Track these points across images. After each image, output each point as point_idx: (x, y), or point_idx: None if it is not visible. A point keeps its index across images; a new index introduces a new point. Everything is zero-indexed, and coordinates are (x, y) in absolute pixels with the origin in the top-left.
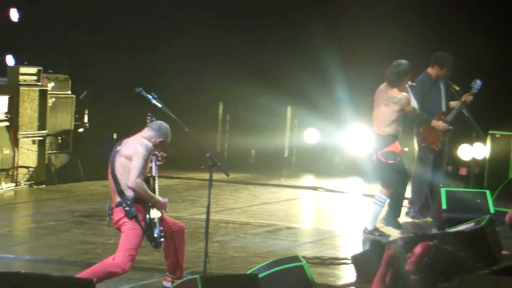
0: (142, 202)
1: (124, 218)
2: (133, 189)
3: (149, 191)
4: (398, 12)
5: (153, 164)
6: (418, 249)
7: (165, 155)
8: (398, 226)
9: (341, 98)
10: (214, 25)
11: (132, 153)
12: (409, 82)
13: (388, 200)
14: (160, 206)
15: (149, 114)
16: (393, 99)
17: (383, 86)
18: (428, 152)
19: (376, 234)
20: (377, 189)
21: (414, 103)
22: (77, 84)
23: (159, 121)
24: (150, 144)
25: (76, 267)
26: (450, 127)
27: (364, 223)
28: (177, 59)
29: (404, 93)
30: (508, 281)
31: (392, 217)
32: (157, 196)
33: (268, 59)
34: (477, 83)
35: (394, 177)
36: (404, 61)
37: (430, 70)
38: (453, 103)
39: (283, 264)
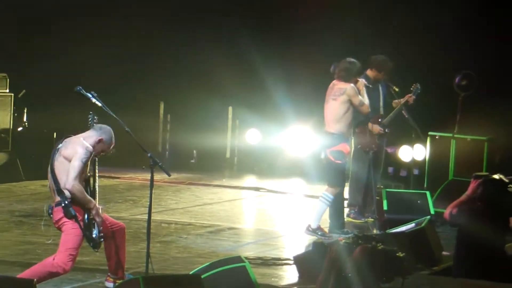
0: (77, 203)
1: (63, 217)
2: (70, 191)
3: (86, 194)
4: (337, 11)
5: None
6: (357, 252)
7: (113, 150)
8: (340, 227)
9: (281, 99)
10: (155, 24)
11: (72, 153)
12: (365, 82)
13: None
14: (95, 214)
15: (91, 112)
16: (339, 91)
17: (332, 83)
18: (363, 153)
19: (319, 233)
20: (318, 189)
21: (365, 99)
22: (15, 83)
23: (104, 125)
24: (90, 147)
25: (17, 268)
26: (386, 130)
27: (306, 223)
28: (118, 57)
29: (351, 84)
30: (448, 281)
31: (335, 219)
32: (97, 201)
33: (209, 59)
34: (417, 87)
35: (340, 178)
36: (356, 61)
37: (368, 73)
38: (396, 102)
39: (226, 264)
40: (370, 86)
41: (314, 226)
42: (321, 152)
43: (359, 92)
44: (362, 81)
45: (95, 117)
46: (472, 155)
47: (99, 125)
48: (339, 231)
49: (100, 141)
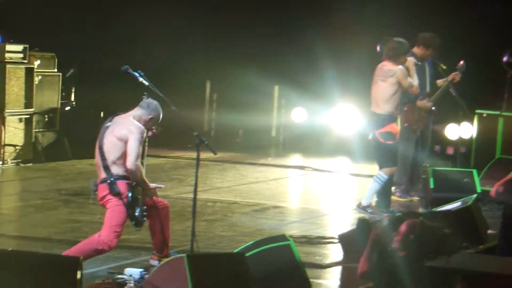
0: (126, 179)
1: (108, 194)
2: (131, 171)
3: (144, 175)
4: None
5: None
6: (403, 227)
7: (159, 128)
8: (387, 206)
9: (328, 78)
10: (201, 5)
11: (125, 134)
12: (415, 61)
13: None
14: (150, 193)
15: (145, 93)
16: (389, 72)
17: (380, 64)
18: (411, 132)
19: (369, 211)
20: (363, 168)
21: (414, 81)
22: (63, 62)
23: (149, 99)
24: (142, 127)
25: (63, 246)
26: (433, 108)
27: (352, 202)
28: (164, 37)
29: (400, 66)
30: (493, 260)
31: (382, 198)
32: (154, 184)
33: (255, 38)
34: (462, 65)
35: (392, 157)
36: (404, 41)
37: (415, 50)
38: (440, 81)
39: (270, 243)
40: (419, 63)
41: (364, 204)
42: (369, 133)
43: (408, 72)
44: (411, 59)
45: (148, 96)
46: None
47: (146, 101)
48: (385, 210)
49: (150, 119)
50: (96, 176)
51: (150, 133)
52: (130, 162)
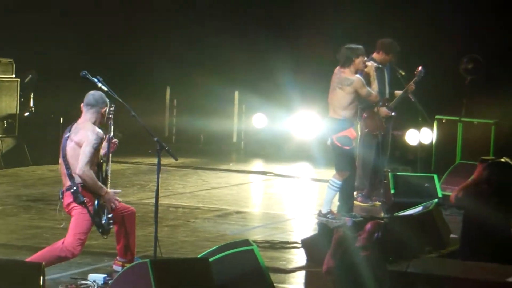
0: (88, 189)
1: (73, 202)
2: (80, 176)
3: (97, 181)
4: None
5: (107, 151)
6: (368, 225)
7: (117, 141)
8: (349, 210)
9: (288, 84)
10: (162, 9)
11: (83, 139)
12: (375, 64)
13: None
14: (108, 198)
15: (113, 105)
16: (346, 81)
17: (337, 69)
18: (371, 138)
19: (330, 217)
20: (325, 173)
21: (373, 88)
22: (21, 68)
23: (89, 94)
24: (100, 132)
25: (25, 252)
26: (393, 113)
27: (314, 207)
28: (124, 42)
29: (358, 75)
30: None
31: (343, 202)
32: (108, 186)
33: (216, 43)
34: (421, 71)
35: (348, 163)
36: (356, 46)
37: (375, 56)
38: (397, 92)
39: (234, 248)
40: (380, 66)
41: (324, 211)
42: (327, 138)
43: (369, 77)
44: (371, 64)
45: (113, 105)
46: (479, 138)
47: (89, 98)
48: (347, 214)
49: (105, 110)
50: (61, 183)
51: (112, 148)
52: (79, 167)
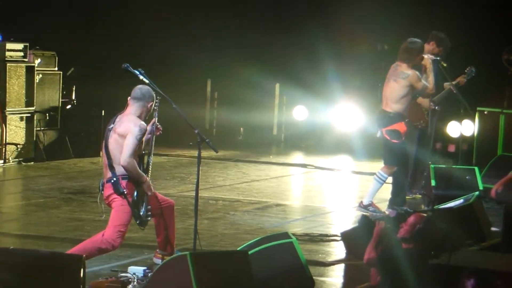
0: (132, 179)
1: (113, 194)
2: (124, 167)
3: (139, 170)
4: None
5: (151, 138)
6: (411, 218)
7: (160, 126)
8: (400, 204)
9: (329, 76)
10: (202, 2)
11: (126, 131)
12: (432, 57)
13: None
14: (146, 188)
15: (158, 98)
16: (402, 75)
17: (395, 63)
18: (412, 128)
19: (371, 209)
20: (365, 166)
21: (429, 80)
22: (64, 61)
23: (137, 88)
24: (143, 124)
25: (66, 244)
26: (436, 108)
27: (354, 200)
28: (165, 35)
29: (413, 70)
30: (496, 257)
31: (394, 196)
32: (148, 176)
33: (257, 36)
34: (470, 70)
35: (396, 157)
36: (418, 40)
37: (426, 46)
38: (447, 84)
39: (273, 240)
40: (438, 58)
41: (365, 203)
42: (378, 131)
43: (425, 70)
44: (428, 57)
45: (158, 98)
46: None
47: (137, 91)
48: (398, 208)
49: (151, 105)
50: (102, 174)
51: (157, 132)
52: (123, 158)
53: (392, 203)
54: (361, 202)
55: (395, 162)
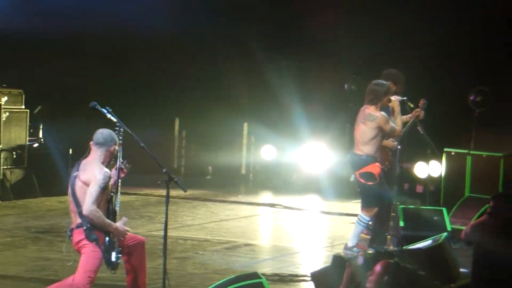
0: (97, 228)
1: (84, 239)
2: (87, 217)
3: (105, 218)
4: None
5: (116, 180)
6: (378, 267)
7: (126, 168)
8: (382, 243)
9: (297, 116)
10: (168, 41)
11: (90, 179)
12: (399, 98)
13: (370, 222)
14: (118, 233)
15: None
16: (370, 117)
17: (363, 106)
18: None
19: (355, 250)
20: (334, 206)
21: (397, 123)
22: (31, 99)
23: (99, 132)
24: (108, 172)
25: (33, 284)
26: (399, 147)
27: (323, 240)
28: (133, 74)
29: (382, 112)
30: None
31: (376, 237)
32: (119, 222)
33: (225, 75)
34: (424, 102)
35: (374, 198)
36: (384, 82)
37: None
38: (404, 117)
39: (243, 280)
40: (405, 98)
41: (350, 245)
42: (351, 175)
43: (393, 113)
44: (395, 99)
45: (121, 129)
46: (488, 171)
47: (98, 136)
48: (378, 247)
49: (114, 149)
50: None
51: (122, 174)
52: (85, 207)
53: (373, 241)
54: (346, 244)
55: (373, 203)
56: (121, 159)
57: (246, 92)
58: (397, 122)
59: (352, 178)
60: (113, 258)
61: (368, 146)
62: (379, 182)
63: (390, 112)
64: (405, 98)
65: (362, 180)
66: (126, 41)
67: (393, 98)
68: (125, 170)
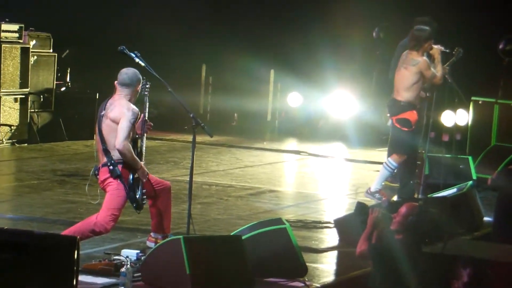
0: (126, 164)
1: (109, 178)
2: (120, 151)
3: (134, 155)
4: None
5: (141, 134)
6: (403, 209)
7: (151, 124)
8: (410, 193)
9: (324, 63)
10: None
11: (119, 115)
12: (441, 47)
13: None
14: (141, 174)
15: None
16: (412, 62)
17: (405, 51)
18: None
19: (377, 196)
20: (359, 154)
21: (438, 70)
22: (59, 43)
23: (123, 72)
24: (136, 108)
25: (59, 226)
26: (427, 94)
27: (347, 187)
28: (160, 20)
29: (424, 57)
30: (488, 246)
31: (403, 187)
32: (143, 160)
33: (252, 22)
34: (459, 51)
35: (406, 145)
36: (425, 27)
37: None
38: (445, 67)
39: (267, 226)
40: (448, 50)
41: (372, 190)
42: (388, 119)
43: (434, 60)
44: (438, 48)
45: (148, 83)
46: None
47: (123, 77)
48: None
49: (139, 89)
50: (96, 159)
51: (148, 130)
52: (118, 142)
53: (400, 192)
54: (369, 188)
55: (404, 150)
56: (146, 110)
57: (273, 39)
58: (437, 70)
59: (389, 123)
60: (137, 195)
61: (408, 92)
62: (413, 130)
63: (431, 60)
64: (447, 50)
65: (398, 126)
66: None
67: (435, 46)
68: (150, 124)
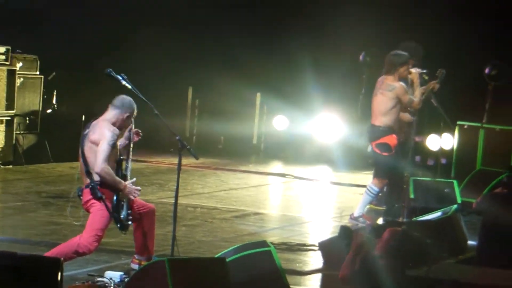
0: (107, 186)
1: (92, 199)
2: (98, 174)
3: (115, 176)
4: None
5: (129, 144)
6: (386, 234)
7: (140, 132)
8: (395, 215)
9: (310, 86)
10: (185, 11)
11: (99, 138)
12: (419, 70)
13: (380, 193)
14: (127, 192)
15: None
16: (388, 87)
17: (382, 77)
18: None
19: (361, 220)
20: (344, 177)
21: (416, 95)
22: (45, 65)
23: (120, 96)
24: (116, 130)
25: (43, 248)
26: (414, 118)
27: (332, 210)
28: (148, 42)
29: (401, 83)
30: (473, 270)
31: (389, 209)
32: (128, 181)
33: (238, 45)
34: (442, 73)
35: (387, 170)
36: (402, 53)
37: None
38: (421, 88)
39: (251, 248)
40: (425, 71)
41: (356, 215)
42: (368, 145)
43: (412, 84)
44: (416, 71)
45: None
46: (500, 145)
47: (118, 100)
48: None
49: (127, 117)
50: (78, 180)
51: (136, 138)
52: (96, 165)
53: (387, 214)
54: (352, 214)
55: (386, 175)
56: (133, 125)
57: (260, 62)
58: (416, 94)
59: (369, 149)
60: (122, 216)
61: (386, 117)
62: (394, 154)
63: (409, 84)
64: (425, 70)
65: (378, 151)
66: (140, 10)
67: (413, 70)
68: (139, 133)
